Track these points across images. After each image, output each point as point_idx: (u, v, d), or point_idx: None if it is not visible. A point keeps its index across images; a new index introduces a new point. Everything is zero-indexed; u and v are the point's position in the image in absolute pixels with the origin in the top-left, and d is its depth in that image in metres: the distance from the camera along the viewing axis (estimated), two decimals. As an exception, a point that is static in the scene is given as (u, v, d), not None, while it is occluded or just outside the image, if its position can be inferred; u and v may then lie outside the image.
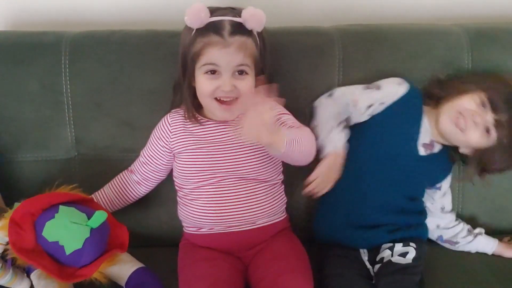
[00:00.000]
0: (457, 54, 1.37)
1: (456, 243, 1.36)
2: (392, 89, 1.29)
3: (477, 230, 1.37)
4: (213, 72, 1.15)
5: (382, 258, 1.25)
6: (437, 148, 1.30)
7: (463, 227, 1.37)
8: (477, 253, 1.37)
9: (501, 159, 1.26)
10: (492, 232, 1.40)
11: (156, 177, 1.29)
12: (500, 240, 1.37)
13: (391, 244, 1.27)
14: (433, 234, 1.38)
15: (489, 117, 1.21)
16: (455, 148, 1.31)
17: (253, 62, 1.17)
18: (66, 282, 1.07)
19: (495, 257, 1.35)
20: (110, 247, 1.13)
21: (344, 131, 1.25)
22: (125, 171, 1.32)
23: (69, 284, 1.11)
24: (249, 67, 1.16)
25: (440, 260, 1.32)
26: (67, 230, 1.08)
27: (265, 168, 1.22)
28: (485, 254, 1.36)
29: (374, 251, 1.29)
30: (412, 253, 1.25)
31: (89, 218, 1.10)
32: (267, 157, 1.22)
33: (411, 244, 1.27)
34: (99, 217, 1.10)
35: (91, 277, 1.08)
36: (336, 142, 1.22)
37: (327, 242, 1.32)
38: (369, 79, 1.36)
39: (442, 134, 1.27)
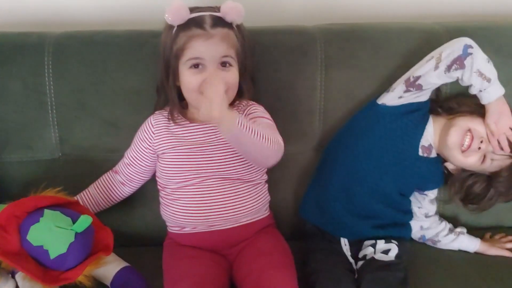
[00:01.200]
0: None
1: (438, 241, 1.38)
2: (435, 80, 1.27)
3: (459, 229, 1.39)
4: (197, 66, 1.16)
5: (365, 256, 1.27)
6: (433, 154, 1.32)
7: (445, 226, 1.38)
8: (461, 252, 1.38)
9: (483, 189, 1.31)
10: (473, 229, 1.42)
11: (140, 178, 1.30)
12: (482, 236, 1.39)
13: (373, 241, 1.29)
14: (416, 235, 1.40)
15: (490, 147, 1.25)
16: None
17: (236, 55, 1.18)
18: (50, 286, 1.07)
19: (476, 254, 1.37)
20: (95, 250, 1.14)
21: None
22: (110, 171, 1.32)
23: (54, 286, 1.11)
24: (233, 59, 1.18)
25: (422, 257, 1.33)
26: (52, 235, 1.08)
27: (248, 168, 1.23)
28: (466, 252, 1.38)
29: (355, 244, 1.31)
30: (394, 250, 1.27)
31: (74, 222, 1.10)
32: None
33: (393, 241, 1.29)
34: (84, 222, 1.10)
35: (75, 281, 1.08)
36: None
37: (310, 224, 1.34)
38: (351, 77, 1.38)
39: (442, 145, 1.29)
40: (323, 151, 1.40)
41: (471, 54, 1.18)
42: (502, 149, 1.24)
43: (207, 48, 1.14)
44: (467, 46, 1.19)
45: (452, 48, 1.20)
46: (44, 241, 1.07)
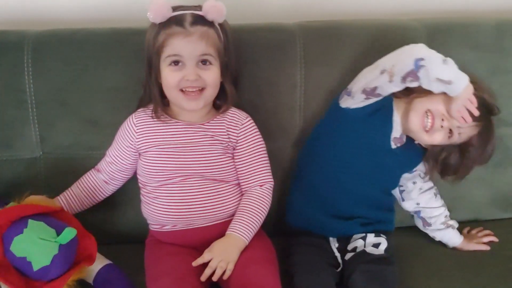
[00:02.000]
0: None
1: (429, 224, 1.39)
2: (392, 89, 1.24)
3: (452, 222, 1.40)
4: (176, 63, 1.17)
5: (355, 248, 1.28)
6: (404, 139, 1.32)
7: (443, 212, 1.39)
8: (440, 244, 1.41)
9: (457, 160, 1.31)
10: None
11: (123, 176, 1.30)
12: (460, 231, 1.41)
13: (363, 234, 1.31)
14: (410, 209, 1.41)
15: (455, 121, 1.23)
16: None
17: (217, 53, 1.19)
18: None
19: (454, 248, 1.40)
20: (78, 260, 1.13)
21: None
22: (92, 170, 1.32)
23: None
24: (213, 57, 1.18)
25: (403, 250, 1.35)
26: (36, 246, 1.06)
27: (229, 169, 1.25)
28: (444, 246, 1.40)
29: (344, 240, 1.32)
30: (384, 244, 1.29)
31: (58, 234, 1.09)
32: (230, 160, 1.25)
33: (382, 235, 1.31)
34: (68, 234, 1.09)
35: None
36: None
37: (299, 229, 1.35)
38: (331, 74, 1.39)
39: (406, 129, 1.29)
40: (298, 159, 1.40)
41: (423, 66, 1.11)
42: (465, 121, 1.21)
43: (186, 45, 1.15)
44: (418, 60, 1.11)
45: (403, 63, 1.13)
46: (27, 253, 1.06)
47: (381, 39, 1.40)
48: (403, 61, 1.14)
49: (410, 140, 1.32)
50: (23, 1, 1.47)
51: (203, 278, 1.11)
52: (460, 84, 1.15)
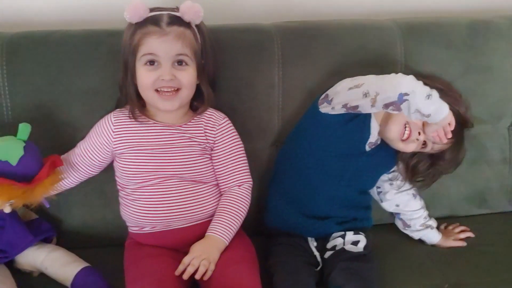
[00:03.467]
0: (391, 47, 1.42)
1: (409, 226, 1.41)
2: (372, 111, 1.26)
3: (430, 222, 1.42)
4: (152, 63, 1.17)
5: (335, 246, 1.30)
6: (379, 141, 1.34)
7: (422, 214, 1.41)
8: (418, 241, 1.43)
9: (426, 167, 1.35)
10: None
11: (86, 171, 1.27)
12: (437, 227, 1.43)
13: (343, 233, 1.32)
14: (389, 209, 1.43)
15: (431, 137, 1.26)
16: None
17: (193, 54, 1.19)
18: (29, 188, 1.10)
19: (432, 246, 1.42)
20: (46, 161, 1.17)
21: None
22: None
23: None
24: (189, 58, 1.18)
25: (382, 247, 1.37)
26: (2, 147, 1.12)
27: (207, 170, 1.25)
28: (422, 243, 1.42)
29: (322, 239, 1.33)
30: (363, 241, 1.30)
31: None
32: (208, 161, 1.25)
33: (361, 232, 1.33)
34: (24, 129, 1.15)
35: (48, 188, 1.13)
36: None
37: (277, 230, 1.35)
38: (308, 74, 1.40)
39: (383, 136, 1.31)
40: (276, 161, 1.41)
41: (406, 100, 1.12)
42: (441, 140, 1.24)
43: (161, 45, 1.15)
44: (403, 95, 1.11)
45: (387, 94, 1.13)
46: None
47: (357, 39, 1.42)
48: (387, 92, 1.14)
49: (383, 143, 1.34)
50: (-4, 3, 1.45)
51: (186, 276, 1.11)
52: (438, 116, 1.15)
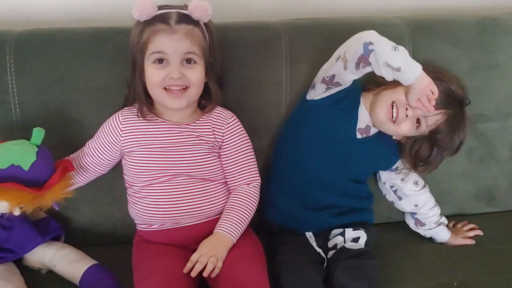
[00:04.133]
0: (398, 44, 1.40)
1: (423, 224, 1.41)
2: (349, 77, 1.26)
3: (443, 219, 1.41)
4: (161, 61, 1.17)
5: (336, 245, 1.29)
6: (372, 132, 1.33)
7: (436, 212, 1.40)
8: (424, 238, 1.42)
9: (428, 151, 1.32)
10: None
11: (95, 170, 1.28)
12: (447, 227, 1.43)
13: (342, 230, 1.31)
14: (407, 209, 1.42)
15: (419, 110, 1.23)
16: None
17: (201, 52, 1.19)
18: (39, 194, 1.10)
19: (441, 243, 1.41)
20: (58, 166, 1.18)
21: None
22: (66, 158, 1.29)
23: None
24: (197, 56, 1.18)
25: (388, 245, 1.37)
26: (15, 151, 1.12)
27: (214, 167, 1.25)
28: (430, 240, 1.42)
29: (321, 235, 1.33)
30: (363, 237, 1.29)
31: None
32: (216, 159, 1.25)
33: (360, 228, 1.32)
34: (38, 133, 1.15)
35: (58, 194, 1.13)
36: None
37: (278, 226, 1.36)
38: (315, 71, 1.37)
39: (374, 121, 1.31)
40: (272, 157, 1.41)
41: (372, 50, 1.14)
42: (427, 110, 1.22)
43: (170, 43, 1.15)
44: (367, 44, 1.14)
45: (354, 48, 1.17)
46: (12, 159, 1.10)
47: (365, 36, 1.41)
48: (353, 46, 1.18)
49: (386, 137, 1.34)
50: (4, 1, 1.45)
51: (194, 273, 1.11)
52: (411, 72, 1.15)
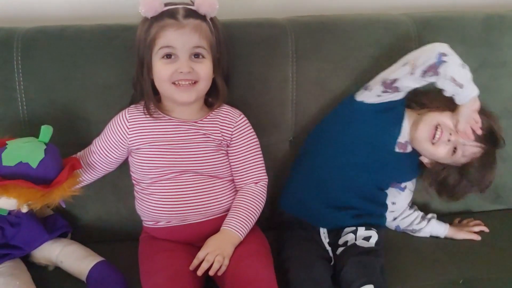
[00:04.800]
0: (405, 42, 1.41)
1: (413, 230, 1.42)
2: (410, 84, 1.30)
3: (429, 215, 1.43)
4: (169, 56, 1.17)
5: (346, 242, 1.29)
6: (409, 149, 1.35)
7: (418, 214, 1.42)
8: (430, 236, 1.42)
9: (456, 180, 1.35)
10: (443, 215, 1.46)
11: (102, 168, 1.28)
12: (451, 223, 1.43)
13: (354, 228, 1.32)
14: (390, 225, 1.44)
15: (460, 138, 1.29)
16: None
17: (209, 47, 1.19)
18: (47, 191, 1.11)
19: (446, 239, 1.41)
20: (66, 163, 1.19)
21: None
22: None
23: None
24: (205, 50, 1.18)
25: (394, 243, 1.36)
26: (24, 149, 1.12)
27: (223, 165, 1.25)
28: (436, 237, 1.41)
29: (334, 232, 1.33)
30: (374, 237, 1.30)
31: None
32: (224, 156, 1.25)
33: (373, 228, 1.32)
34: (46, 131, 1.16)
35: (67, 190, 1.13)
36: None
37: (291, 217, 1.35)
38: (321, 68, 1.40)
39: (413, 139, 1.33)
40: (303, 144, 1.41)
41: (445, 62, 1.19)
42: (469, 137, 1.27)
43: (179, 37, 1.15)
44: (441, 54, 1.19)
45: (427, 56, 1.21)
46: (20, 157, 1.11)
47: (371, 34, 1.41)
48: (426, 53, 1.22)
49: (413, 153, 1.36)
50: (12, -2, 1.46)
51: (200, 272, 1.11)
52: (469, 92, 1.22)
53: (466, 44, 1.45)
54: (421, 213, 1.43)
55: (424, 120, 1.31)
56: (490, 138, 1.31)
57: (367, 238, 1.29)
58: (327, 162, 1.33)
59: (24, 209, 1.11)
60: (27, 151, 1.12)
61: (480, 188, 1.37)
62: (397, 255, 1.31)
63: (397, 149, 1.33)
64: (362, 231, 1.31)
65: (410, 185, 1.42)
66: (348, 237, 1.30)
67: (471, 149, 1.30)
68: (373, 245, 1.28)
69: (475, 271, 1.27)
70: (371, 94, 1.30)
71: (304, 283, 1.15)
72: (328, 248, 1.30)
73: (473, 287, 1.22)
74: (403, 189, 1.41)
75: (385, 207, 1.40)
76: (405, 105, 1.35)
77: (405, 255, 1.32)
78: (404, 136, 1.33)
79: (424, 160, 1.38)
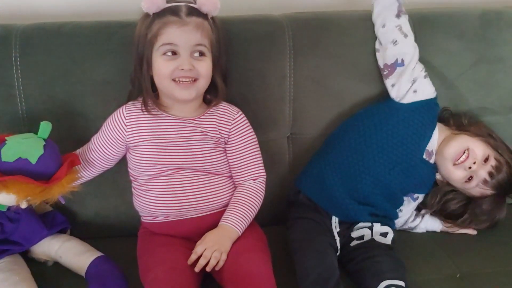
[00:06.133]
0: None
1: (409, 228, 1.42)
2: (429, 87, 1.36)
3: (422, 211, 1.43)
4: (171, 53, 1.17)
5: (362, 236, 1.30)
6: (432, 160, 1.37)
7: (411, 213, 1.42)
8: (426, 231, 1.43)
9: (459, 207, 1.38)
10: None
11: (101, 165, 1.29)
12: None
13: (370, 224, 1.32)
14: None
15: (482, 172, 1.32)
16: None
17: (210, 45, 1.20)
18: (46, 187, 1.11)
19: (443, 233, 1.42)
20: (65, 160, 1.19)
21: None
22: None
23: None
24: (206, 48, 1.19)
25: (394, 237, 1.35)
26: (23, 145, 1.12)
27: (220, 161, 1.25)
28: (433, 232, 1.42)
29: (346, 225, 1.33)
30: (391, 234, 1.31)
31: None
32: (221, 153, 1.26)
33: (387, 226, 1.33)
34: (45, 127, 1.16)
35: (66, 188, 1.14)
36: None
37: (305, 197, 1.36)
38: (319, 65, 1.40)
39: (439, 153, 1.35)
40: (337, 128, 1.41)
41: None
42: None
43: (181, 34, 1.15)
44: None
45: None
46: (19, 153, 1.11)
47: (368, 30, 1.41)
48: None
49: (434, 167, 1.38)
50: (9, -5, 1.46)
51: (197, 269, 1.12)
52: None
53: (463, 40, 1.45)
54: (414, 211, 1.43)
55: (457, 139, 1.34)
56: (507, 187, 1.34)
57: (384, 234, 1.30)
58: (360, 156, 1.33)
59: (23, 205, 1.11)
60: (26, 147, 1.12)
61: (478, 227, 1.39)
62: (394, 249, 1.30)
63: (424, 156, 1.35)
64: (378, 227, 1.32)
65: (421, 198, 1.42)
66: (364, 231, 1.31)
67: (485, 189, 1.34)
68: (389, 242, 1.29)
69: (472, 265, 1.27)
70: (396, 89, 1.34)
71: (315, 269, 1.15)
72: (337, 237, 1.30)
73: (470, 281, 1.23)
74: (415, 200, 1.41)
75: (396, 214, 1.39)
76: (438, 110, 1.38)
77: (402, 250, 1.31)
78: (432, 144, 1.35)
79: (437, 176, 1.39)
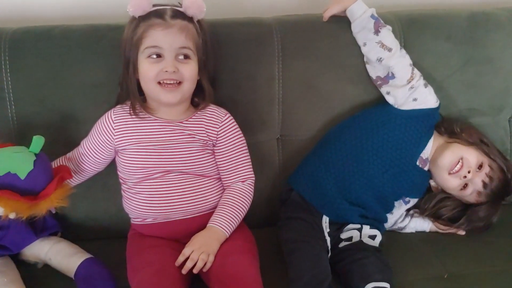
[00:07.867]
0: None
1: (399, 228, 1.43)
2: (430, 97, 1.37)
3: (411, 211, 1.44)
4: (155, 55, 1.17)
5: (351, 237, 1.30)
6: (426, 167, 1.38)
7: (400, 213, 1.43)
8: (416, 231, 1.43)
9: (453, 214, 1.39)
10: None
11: (92, 169, 1.30)
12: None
13: (359, 226, 1.33)
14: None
15: (477, 179, 1.34)
16: None
17: (195, 48, 1.20)
18: (34, 203, 1.11)
19: (431, 232, 1.43)
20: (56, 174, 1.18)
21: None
22: (63, 157, 1.31)
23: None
24: (191, 51, 1.19)
25: (382, 237, 1.35)
26: (13, 159, 1.12)
27: (209, 164, 1.26)
28: (422, 232, 1.43)
29: (335, 225, 1.34)
30: (379, 237, 1.32)
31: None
32: (210, 155, 1.26)
33: (376, 228, 1.34)
34: (37, 142, 1.15)
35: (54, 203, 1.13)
36: None
37: (297, 194, 1.37)
38: (308, 66, 1.41)
39: (433, 162, 1.36)
40: (334, 128, 1.42)
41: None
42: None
43: (165, 37, 1.16)
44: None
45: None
46: (9, 167, 1.11)
47: (356, 32, 1.42)
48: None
49: (427, 174, 1.39)
50: (-1, -2, 1.47)
51: (184, 271, 1.12)
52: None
53: (452, 42, 1.46)
54: (404, 212, 1.44)
55: (451, 149, 1.35)
56: (504, 192, 1.37)
57: (372, 237, 1.31)
58: (355, 157, 1.34)
59: (12, 216, 1.11)
60: (16, 161, 1.12)
61: (481, 227, 1.39)
62: (382, 249, 1.31)
63: (417, 163, 1.36)
64: (367, 230, 1.32)
65: (412, 202, 1.42)
66: (352, 233, 1.32)
67: (479, 196, 1.36)
68: (377, 244, 1.29)
69: (460, 265, 1.28)
70: (395, 98, 1.35)
71: (309, 271, 1.16)
72: (328, 238, 1.31)
73: (457, 281, 1.23)
74: (406, 203, 1.42)
75: (386, 218, 1.40)
76: (438, 120, 1.39)
77: (390, 250, 1.32)
78: (427, 152, 1.36)
79: (432, 183, 1.41)
